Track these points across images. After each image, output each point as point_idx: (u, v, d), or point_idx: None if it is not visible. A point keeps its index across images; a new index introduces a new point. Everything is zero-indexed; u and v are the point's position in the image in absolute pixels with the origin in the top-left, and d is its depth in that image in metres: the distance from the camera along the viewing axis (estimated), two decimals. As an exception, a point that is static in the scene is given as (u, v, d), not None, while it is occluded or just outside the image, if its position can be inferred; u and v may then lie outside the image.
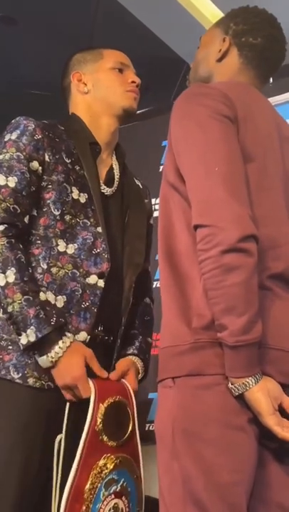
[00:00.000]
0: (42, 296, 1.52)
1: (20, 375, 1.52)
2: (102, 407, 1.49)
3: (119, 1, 3.40)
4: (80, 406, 1.50)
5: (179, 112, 1.34)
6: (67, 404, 1.51)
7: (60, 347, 1.49)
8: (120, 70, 1.80)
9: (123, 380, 1.61)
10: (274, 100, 3.09)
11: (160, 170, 3.48)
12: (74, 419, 1.50)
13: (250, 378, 1.18)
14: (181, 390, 1.23)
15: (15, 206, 1.56)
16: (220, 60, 1.51)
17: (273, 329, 1.23)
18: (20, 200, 1.57)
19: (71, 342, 1.51)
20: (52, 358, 1.48)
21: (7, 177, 1.57)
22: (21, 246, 1.55)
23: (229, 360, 1.19)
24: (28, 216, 1.59)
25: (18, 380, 1.52)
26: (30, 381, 1.52)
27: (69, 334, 1.53)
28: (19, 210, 1.56)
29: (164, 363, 1.29)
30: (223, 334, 1.18)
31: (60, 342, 1.49)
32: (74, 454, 1.44)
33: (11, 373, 1.52)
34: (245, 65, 1.49)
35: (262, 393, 1.18)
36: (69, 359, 1.50)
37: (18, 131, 1.63)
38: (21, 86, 4.17)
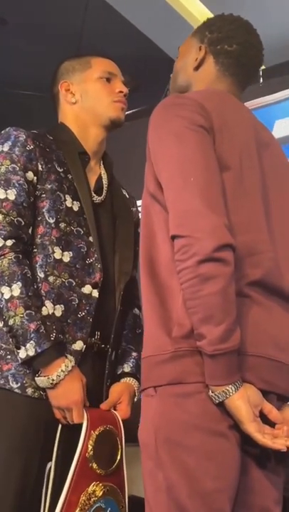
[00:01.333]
0: (44, 310, 1.53)
1: (18, 384, 1.53)
2: (94, 435, 1.52)
3: (108, 1, 3.40)
4: (70, 432, 1.53)
5: (155, 122, 1.35)
6: (59, 430, 1.53)
7: (62, 370, 1.50)
8: (108, 80, 1.80)
9: (113, 411, 1.63)
10: (264, 101, 3.09)
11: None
12: (64, 446, 1.52)
13: (230, 386, 1.19)
14: (162, 398, 1.24)
15: (19, 219, 1.57)
16: (197, 68, 1.51)
17: (252, 336, 1.24)
18: (22, 212, 1.58)
19: (72, 366, 1.52)
20: (53, 380, 1.49)
21: (6, 190, 1.58)
22: (28, 262, 1.56)
23: (209, 369, 1.20)
24: (31, 227, 1.60)
25: (16, 390, 1.53)
26: (29, 391, 1.53)
27: (70, 356, 1.54)
28: (23, 223, 1.58)
29: (146, 373, 1.30)
30: (201, 343, 1.19)
31: (63, 365, 1.50)
32: (64, 479, 1.46)
33: (10, 383, 1.53)
34: (222, 72, 1.50)
35: (242, 401, 1.19)
36: (69, 383, 1.51)
37: (10, 143, 1.64)
38: (11, 86, 4.17)
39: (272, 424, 1.23)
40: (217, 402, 1.20)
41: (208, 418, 1.21)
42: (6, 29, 3.81)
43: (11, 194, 1.58)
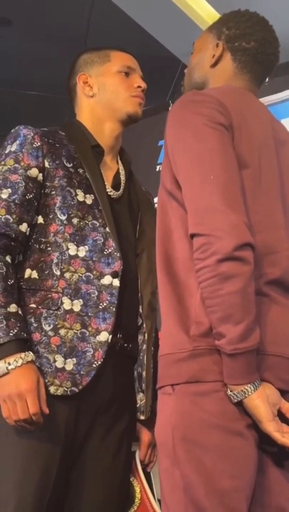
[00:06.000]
0: (12, 308, 1.49)
1: None
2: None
3: (113, 1, 3.40)
4: None
5: (174, 119, 1.34)
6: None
7: (15, 360, 1.44)
8: (127, 74, 1.78)
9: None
10: (269, 99, 3.09)
11: (157, 170, 3.49)
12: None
13: (248, 385, 1.19)
14: (180, 397, 1.24)
15: (7, 216, 1.55)
16: (214, 65, 1.51)
17: (271, 335, 1.24)
18: (12, 209, 1.56)
19: (28, 361, 1.46)
20: (9, 364, 1.44)
21: (1, 190, 1.57)
22: (7, 257, 1.54)
23: (227, 368, 1.20)
24: (25, 224, 1.58)
25: None
26: (52, 389, 1.49)
27: (31, 353, 1.48)
28: (11, 220, 1.56)
29: (163, 370, 1.29)
30: (220, 342, 1.19)
31: (19, 357, 1.45)
32: None
33: None
34: (239, 69, 1.49)
35: (261, 400, 1.19)
36: (23, 371, 1.44)
37: (18, 142, 1.63)
38: (16, 86, 4.17)
39: (289, 423, 1.23)
40: (235, 401, 1.20)
41: (225, 417, 1.21)
42: (11, 30, 3.81)
43: (5, 193, 1.57)
